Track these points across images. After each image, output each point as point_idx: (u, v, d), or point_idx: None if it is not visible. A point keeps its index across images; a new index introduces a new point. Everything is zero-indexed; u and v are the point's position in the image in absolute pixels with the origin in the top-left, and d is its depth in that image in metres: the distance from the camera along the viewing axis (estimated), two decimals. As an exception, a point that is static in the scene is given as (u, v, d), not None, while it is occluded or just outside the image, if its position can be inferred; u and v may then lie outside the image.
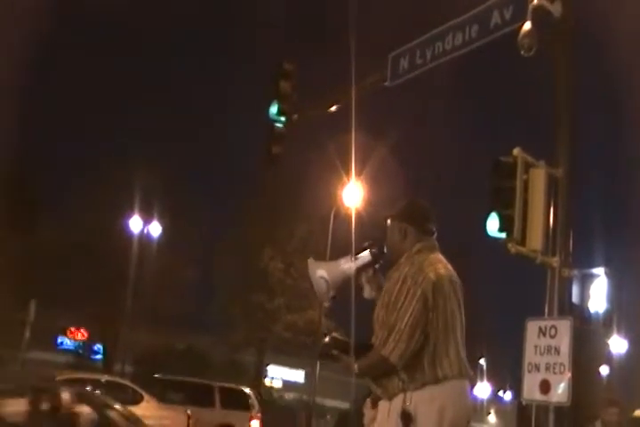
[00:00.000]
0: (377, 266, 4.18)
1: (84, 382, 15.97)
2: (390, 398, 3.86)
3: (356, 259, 4.13)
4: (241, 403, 20.72)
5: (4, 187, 31.65)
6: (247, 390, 21.85)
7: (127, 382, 17.62)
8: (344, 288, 4.24)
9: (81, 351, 40.29)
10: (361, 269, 4.14)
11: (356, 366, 3.87)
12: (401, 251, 4.07)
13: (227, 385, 22.13)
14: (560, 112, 10.15)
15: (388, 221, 4.16)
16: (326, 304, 4.49)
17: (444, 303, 3.85)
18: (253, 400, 21.12)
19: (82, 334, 41.38)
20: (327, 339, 4.01)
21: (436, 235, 4.16)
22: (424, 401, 3.76)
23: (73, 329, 41.46)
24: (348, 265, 4.14)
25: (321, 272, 4.10)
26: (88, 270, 33.52)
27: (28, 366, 27.12)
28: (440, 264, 3.97)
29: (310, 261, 4.26)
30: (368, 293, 4.18)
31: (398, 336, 3.75)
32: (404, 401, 3.76)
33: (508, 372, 54.38)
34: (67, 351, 40.38)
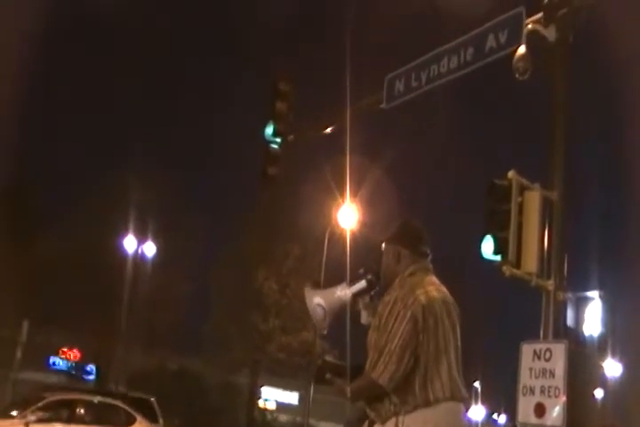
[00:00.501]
0: (373, 292, 4.17)
1: (75, 403, 15.83)
2: (383, 422, 3.83)
3: (352, 286, 4.13)
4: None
5: (0, 205, 31.63)
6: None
7: (120, 403, 17.45)
8: (339, 313, 4.23)
9: (73, 372, 40.00)
10: (357, 296, 4.14)
11: (348, 390, 3.83)
12: (395, 274, 4.05)
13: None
14: (555, 134, 10.18)
15: (383, 245, 4.15)
16: (324, 332, 4.39)
17: (435, 325, 3.82)
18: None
19: (74, 355, 41.12)
20: (320, 362, 4.00)
21: (430, 257, 4.15)
22: (416, 425, 3.74)
23: (65, 349, 41.19)
24: (344, 292, 4.14)
25: (318, 300, 4.11)
26: (82, 290, 33.41)
27: (19, 387, 26.95)
28: (432, 286, 3.95)
29: (307, 289, 4.25)
30: (365, 319, 4.17)
31: (388, 358, 3.73)
32: (397, 425, 3.74)
33: (502, 395, 54.16)
34: (59, 372, 40.10)
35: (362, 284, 4.12)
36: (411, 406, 3.75)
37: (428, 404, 3.77)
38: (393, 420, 3.76)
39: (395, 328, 3.76)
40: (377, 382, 3.73)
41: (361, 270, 4.18)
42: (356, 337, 4.39)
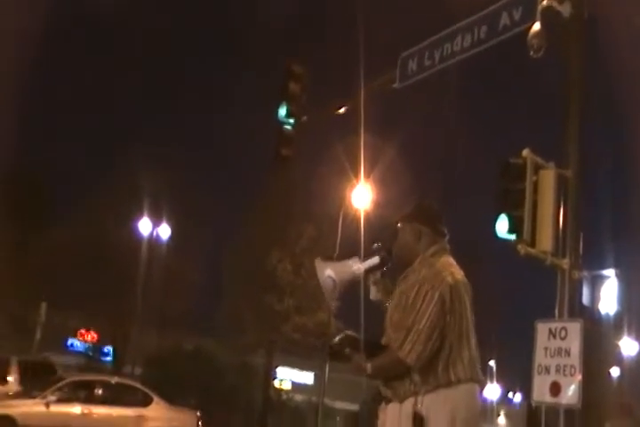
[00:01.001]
0: (384, 269, 4.16)
1: (94, 384, 16.01)
2: (401, 401, 3.82)
3: (364, 261, 4.11)
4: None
5: (17, 189, 31.83)
6: None
7: (137, 384, 17.62)
8: (353, 290, 4.21)
9: (91, 353, 40.36)
10: (369, 271, 4.12)
11: (368, 367, 3.81)
12: (414, 252, 4.03)
13: None
14: (570, 113, 10.11)
15: (399, 224, 4.12)
16: (333, 305, 4.35)
17: (460, 307, 3.83)
18: None
19: (92, 336, 41.49)
20: (340, 336, 3.93)
21: (447, 237, 4.14)
22: (436, 404, 3.73)
23: (83, 331, 41.58)
24: (356, 266, 4.11)
25: (329, 272, 4.07)
26: (98, 272, 33.60)
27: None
28: (454, 268, 3.96)
29: (318, 260, 4.23)
30: (374, 294, 4.17)
31: (416, 338, 3.72)
32: (416, 404, 3.73)
33: (518, 374, 54.24)
34: (77, 353, 40.47)
35: (375, 260, 4.10)
36: (432, 386, 3.75)
37: (449, 384, 3.78)
38: (412, 399, 3.76)
39: (423, 308, 3.75)
40: (404, 361, 3.72)
41: (375, 245, 4.17)
42: (368, 316, 4.38)
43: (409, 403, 3.77)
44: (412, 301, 3.80)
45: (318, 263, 4.19)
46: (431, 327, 3.74)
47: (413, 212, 4.13)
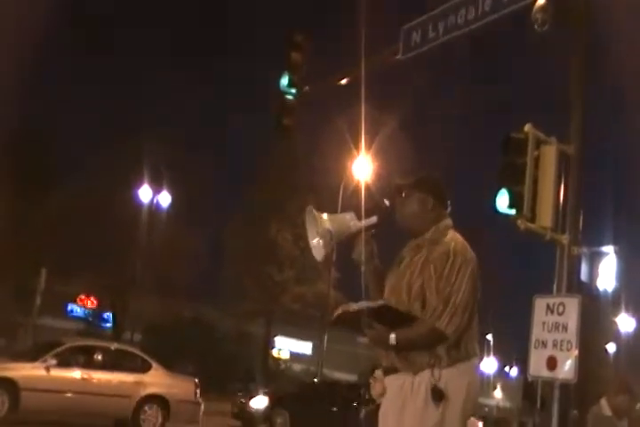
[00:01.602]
0: (374, 231, 4.08)
1: (93, 349, 16.12)
2: (415, 373, 3.77)
3: (363, 219, 3.99)
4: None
5: (16, 155, 31.75)
6: None
7: (136, 351, 17.74)
8: (341, 242, 4.08)
9: (90, 319, 40.59)
10: (364, 230, 4.02)
11: (392, 337, 3.72)
12: (423, 223, 3.95)
13: None
14: (573, 88, 10.05)
15: (404, 191, 4.05)
16: (320, 259, 4.18)
17: (479, 284, 3.84)
18: None
19: (92, 302, 41.68)
20: (355, 305, 3.73)
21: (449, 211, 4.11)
22: (455, 378, 3.70)
23: (83, 297, 41.75)
24: (353, 222, 3.97)
25: (328, 225, 3.92)
26: (98, 239, 33.66)
27: (38, 333, 27.41)
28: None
29: (310, 209, 4.06)
30: (358, 254, 4.06)
31: (454, 310, 3.67)
32: (433, 377, 3.72)
33: (514, 348, 54.58)
34: (77, 319, 40.70)
35: (373, 219, 4.01)
36: (452, 359, 3.72)
37: (466, 359, 3.79)
38: (427, 371, 3.70)
39: (458, 281, 3.70)
40: (443, 333, 3.66)
41: (371, 204, 4.06)
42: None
43: (425, 375, 3.71)
44: (447, 272, 3.73)
45: (310, 212, 4.05)
46: (467, 301, 3.70)
47: (422, 181, 4.02)
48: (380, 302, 3.76)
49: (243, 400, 21.05)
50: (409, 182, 4.03)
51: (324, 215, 4.00)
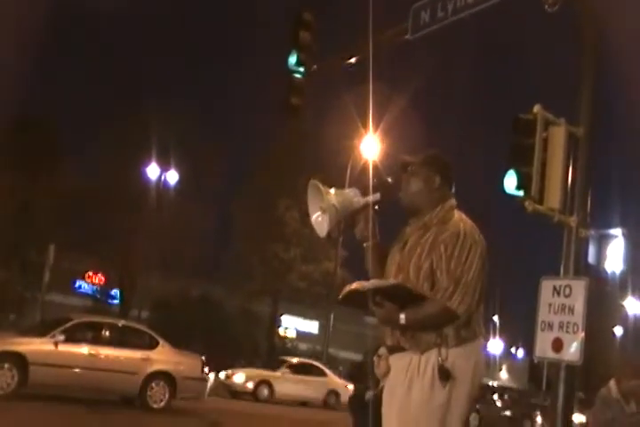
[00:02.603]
0: (376, 207, 4.03)
1: (101, 326, 16.22)
2: (422, 352, 3.74)
3: (366, 195, 3.94)
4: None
5: (26, 134, 31.82)
6: None
7: (143, 328, 17.85)
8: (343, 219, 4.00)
9: (98, 296, 40.78)
10: (366, 206, 3.96)
11: (402, 317, 3.69)
12: (429, 201, 3.90)
13: None
14: (583, 69, 9.97)
15: (411, 168, 4.01)
16: (323, 235, 4.07)
17: (487, 266, 3.82)
18: None
19: (99, 279, 41.84)
20: (367, 283, 3.69)
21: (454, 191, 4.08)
22: (461, 358, 3.69)
23: (91, 273, 41.90)
24: (357, 198, 3.89)
25: (334, 199, 3.82)
26: (107, 217, 33.79)
27: (47, 308, 27.55)
28: None
29: (314, 182, 3.93)
30: (360, 231, 4.01)
31: (465, 290, 3.65)
32: (440, 356, 3.71)
33: (520, 329, 54.64)
34: (84, 295, 40.88)
35: (376, 196, 3.97)
36: (460, 339, 3.70)
37: (474, 338, 3.78)
38: (435, 350, 3.68)
39: (469, 261, 3.68)
40: (454, 312, 3.64)
41: (375, 180, 4.00)
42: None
43: (432, 355, 3.69)
44: (458, 252, 3.70)
45: (315, 186, 3.93)
46: (477, 281, 3.69)
47: (430, 159, 3.97)
48: (393, 282, 3.73)
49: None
50: (417, 160, 3.99)
51: (332, 190, 3.90)
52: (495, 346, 60.65)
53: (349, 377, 21.00)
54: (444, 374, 3.64)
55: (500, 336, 60.70)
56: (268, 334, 41.15)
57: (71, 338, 15.11)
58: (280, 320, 44.23)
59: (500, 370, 65.62)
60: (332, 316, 31.53)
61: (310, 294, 39.08)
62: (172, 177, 34.92)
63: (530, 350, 11.23)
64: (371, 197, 3.90)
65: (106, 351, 15.48)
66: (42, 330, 15.60)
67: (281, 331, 45.30)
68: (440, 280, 3.71)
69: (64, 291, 36.76)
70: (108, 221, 33.85)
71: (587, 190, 9.82)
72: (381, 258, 4.02)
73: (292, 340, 46.45)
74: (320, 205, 3.89)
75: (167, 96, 35.71)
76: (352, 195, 3.91)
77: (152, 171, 34.41)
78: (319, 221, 3.92)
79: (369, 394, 7.83)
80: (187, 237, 35.93)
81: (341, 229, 4.00)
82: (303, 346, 45.14)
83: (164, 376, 16.08)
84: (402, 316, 3.69)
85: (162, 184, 34.87)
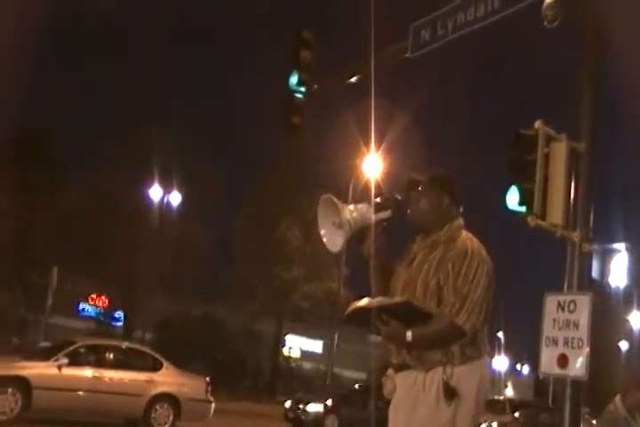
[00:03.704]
0: (385, 224, 4.04)
1: (104, 348, 16.19)
2: (427, 370, 3.76)
3: (376, 211, 3.94)
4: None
5: (29, 154, 31.89)
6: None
7: (147, 350, 17.83)
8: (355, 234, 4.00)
9: (102, 318, 40.72)
10: (377, 224, 3.97)
11: (408, 334, 3.70)
12: (434, 219, 3.92)
13: None
14: (584, 84, 10.01)
15: (421, 187, 4.01)
16: (335, 251, 4.05)
17: (494, 285, 3.84)
18: None
19: (102, 301, 41.81)
20: (373, 301, 3.69)
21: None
22: (466, 376, 3.71)
23: (94, 296, 41.89)
24: (370, 215, 3.88)
25: (348, 215, 3.80)
26: (110, 238, 33.80)
27: (50, 332, 27.49)
28: None
29: (328, 197, 3.90)
30: (367, 249, 4.01)
31: (472, 308, 3.67)
32: (445, 374, 3.71)
33: (525, 345, 54.46)
34: (88, 318, 40.84)
35: (387, 213, 3.98)
36: (465, 357, 3.73)
37: (478, 356, 3.79)
38: (440, 369, 3.70)
39: (476, 280, 3.71)
40: (462, 329, 3.66)
41: (383, 198, 4.00)
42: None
43: (437, 373, 3.71)
44: (466, 270, 3.72)
45: (330, 201, 3.90)
46: (483, 300, 3.71)
47: (439, 178, 3.99)
48: (400, 299, 3.74)
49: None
50: (426, 178, 4.00)
51: (350, 206, 3.89)
52: (500, 362, 60.35)
53: (343, 400, 21.04)
54: (450, 392, 3.65)
55: (506, 353, 60.43)
56: (272, 353, 41.03)
57: (75, 361, 15.09)
58: (284, 340, 44.10)
59: (506, 387, 65.19)
60: (336, 335, 31.45)
61: (314, 314, 39.02)
62: (175, 198, 35.01)
63: (535, 367, 11.19)
64: (382, 214, 3.92)
65: (110, 374, 15.45)
66: (46, 353, 15.57)
67: (285, 351, 45.15)
68: (447, 297, 3.73)
69: (68, 314, 36.73)
70: (110, 242, 33.87)
71: (589, 205, 9.82)
72: (387, 275, 4.03)
73: (296, 360, 46.30)
74: (334, 219, 3.88)
75: (171, 118, 35.81)
76: (365, 211, 3.90)
77: (155, 192, 34.48)
78: (333, 235, 3.91)
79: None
80: (189, 257, 35.94)
81: (344, 245, 4.00)
82: (307, 365, 45.00)
83: (169, 398, 16.04)
84: (408, 333, 3.69)
85: (164, 205, 34.93)
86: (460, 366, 3.71)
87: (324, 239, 3.95)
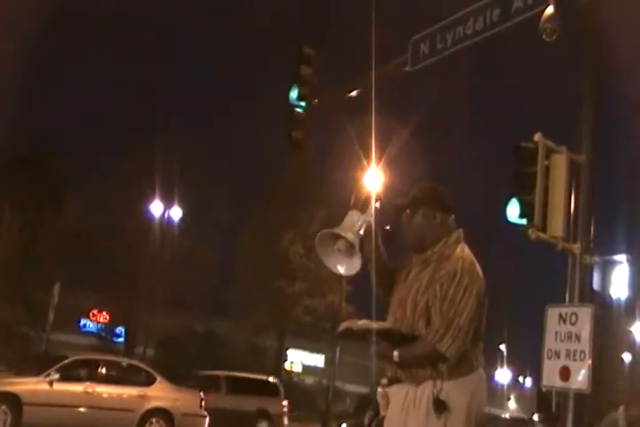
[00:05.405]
0: (388, 227, 4.06)
1: (97, 363, 16.09)
2: (418, 384, 3.80)
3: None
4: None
5: (30, 170, 31.95)
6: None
7: (140, 364, 17.76)
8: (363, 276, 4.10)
9: (103, 334, 40.59)
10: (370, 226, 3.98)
11: (395, 354, 3.77)
12: (431, 237, 3.93)
13: None
14: (584, 97, 10.04)
15: (408, 210, 4.02)
16: (354, 273, 4.10)
17: (487, 302, 3.84)
18: None
19: (104, 317, 41.71)
20: (360, 323, 3.80)
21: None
22: (456, 390, 3.73)
23: (95, 312, 41.79)
24: (357, 217, 3.99)
25: (350, 236, 3.88)
26: (111, 254, 33.77)
27: (51, 348, 27.40)
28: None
29: (321, 235, 4.01)
30: (367, 252, 4.02)
31: (457, 332, 3.68)
32: (435, 388, 3.73)
33: (528, 358, 54.26)
34: (89, 334, 40.72)
35: (370, 214, 3.97)
36: (454, 373, 3.75)
37: (468, 372, 3.80)
38: (430, 382, 3.74)
39: (463, 302, 3.71)
40: (443, 355, 3.69)
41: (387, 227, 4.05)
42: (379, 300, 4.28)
43: (427, 386, 3.75)
44: (453, 293, 3.73)
45: (324, 235, 4.02)
46: (470, 322, 3.71)
47: (422, 196, 3.99)
48: (385, 326, 3.84)
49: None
50: (410, 200, 4.02)
51: (344, 222, 3.97)
52: (503, 375, 60.16)
53: (355, 409, 21.05)
54: (439, 406, 3.70)
55: (508, 365, 60.21)
56: (274, 368, 40.89)
57: (66, 376, 14.91)
58: (286, 355, 43.99)
59: (509, 400, 65.00)
60: (337, 349, 31.38)
61: (316, 328, 38.93)
62: (176, 213, 35.00)
63: (538, 379, 11.15)
64: (369, 218, 3.95)
65: (102, 389, 15.32)
66: (37, 369, 15.35)
67: (287, 365, 45.02)
68: (433, 320, 3.77)
69: (69, 330, 36.59)
70: (111, 258, 33.84)
71: (590, 217, 9.83)
72: (388, 275, 4.07)
73: (298, 374, 46.16)
74: (338, 247, 3.95)
75: (173, 133, 35.91)
76: (355, 219, 3.95)
77: (156, 207, 34.48)
78: (344, 261, 3.98)
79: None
80: (191, 273, 35.89)
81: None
82: (309, 380, 44.86)
83: (162, 413, 15.94)
84: (395, 353, 3.77)
85: (166, 221, 34.92)
86: (450, 380, 3.74)
87: (341, 271, 4.04)
